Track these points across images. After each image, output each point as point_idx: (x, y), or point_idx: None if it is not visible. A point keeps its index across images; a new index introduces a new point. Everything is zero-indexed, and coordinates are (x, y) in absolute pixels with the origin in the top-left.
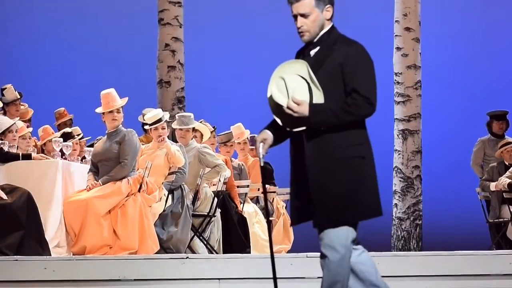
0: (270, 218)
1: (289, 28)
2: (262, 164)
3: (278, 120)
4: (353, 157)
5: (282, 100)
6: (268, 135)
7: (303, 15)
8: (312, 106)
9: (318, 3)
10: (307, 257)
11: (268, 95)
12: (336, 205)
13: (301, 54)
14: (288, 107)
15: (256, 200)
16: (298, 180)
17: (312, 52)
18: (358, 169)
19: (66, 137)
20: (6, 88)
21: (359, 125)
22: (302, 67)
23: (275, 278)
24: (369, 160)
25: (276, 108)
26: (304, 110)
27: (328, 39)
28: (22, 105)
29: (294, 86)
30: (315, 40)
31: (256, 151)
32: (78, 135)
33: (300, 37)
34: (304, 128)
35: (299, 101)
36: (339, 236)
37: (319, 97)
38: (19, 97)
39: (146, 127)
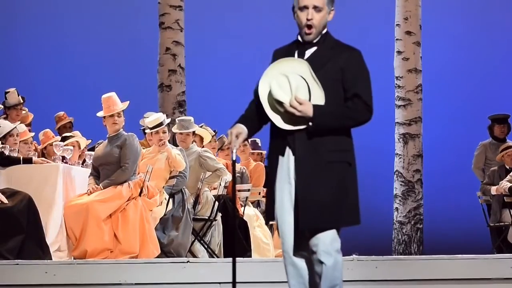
0: (271, 222)
1: (290, 32)
2: (234, 158)
3: (274, 117)
4: (342, 162)
5: (283, 97)
6: (243, 129)
7: (316, 8)
8: (315, 107)
9: (328, 2)
10: None
11: (265, 91)
12: (323, 209)
13: (290, 52)
14: (291, 106)
15: (257, 204)
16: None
17: (308, 53)
18: (345, 175)
19: (65, 141)
20: (9, 91)
21: (348, 132)
22: (302, 67)
23: (234, 283)
24: (354, 168)
25: (275, 105)
26: (308, 110)
27: (325, 41)
28: (23, 109)
29: (297, 85)
30: (314, 40)
31: (231, 145)
32: (77, 137)
33: (305, 33)
34: (300, 128)
35: (302, 101)
36: (333, 241)
37: (319, 99)
38: (22, 101)
39: (147, 131)
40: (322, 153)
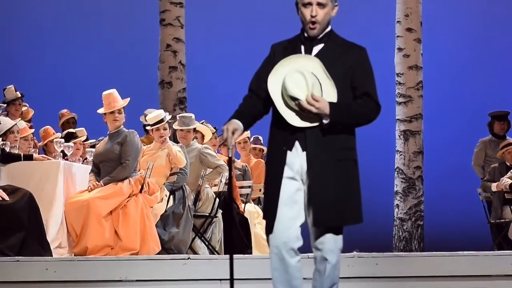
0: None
1: (291, 29)
2: (230, 155)
3: (287, 114)
4: (350, 160)
5: (299, 94)
6: (238, 125)
7: (320, 4)
8: (331, 104)
9: None
10: (308, 257)
11: (277, 88)
12: (335, 207)
13: (294, 48)
14: (309, 103)
15: (258, 201)
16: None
17: (315, 50)
18: (352, 173)
19: (70, 137)
20: (7, 88)
21: (353, 130)
22: (314, 64)
23: (232, 279)
24: (358, 166)
25: (287, 101)
26: (325, 107)
27: (331, 39)
28: (24, 105)
29: (313, 82)
30: (319, 37)
31: (227, 141)
32: (82, 136)
33: (310, 28)
34: (314, 125)
35: (319, 98)
36: (338, 239)
37: (330, 96)
38: (19, 96)
39: (148, 127)
40: (333, 150)
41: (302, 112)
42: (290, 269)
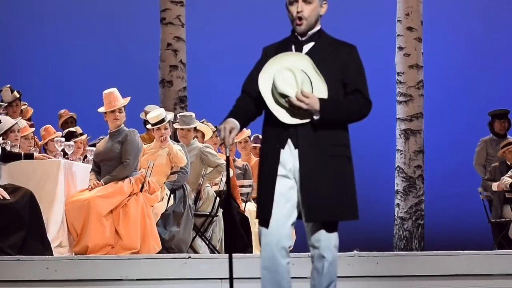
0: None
1: (290, 27)
2: (227, 154)
3: (278, 112)
4: (342, 157)
5: (288, 91)
6: (235, 124)
7: (305, 0)
8: (321, 100)
9: None
10: (309, 256)
11: (267, 85)
12: (327, 203)
13: (285, 48)
14: (298, 99)
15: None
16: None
17: (306, 48)
18: (345, 170)
19: (70, 136)
20: (2, 89)
21: (346, 127)
22: (304, 61)
23: (231, 279)
24: (352, 163)
25: (278, 99)
26: (315, 103)
27: (321, 37)
28: (23, 104)
29: (302, 79)
30: (308, 35)
31: (225, 141)
32: (80, 134)
33: (297, 24)
34: (305, 121)
35: (308, 94)
36: (334, 236)
37: (321, 93)
38: (17, 96)
39: (149, 126)
40: (324, 146)
41: (292, 109)
42: (281, 269)
